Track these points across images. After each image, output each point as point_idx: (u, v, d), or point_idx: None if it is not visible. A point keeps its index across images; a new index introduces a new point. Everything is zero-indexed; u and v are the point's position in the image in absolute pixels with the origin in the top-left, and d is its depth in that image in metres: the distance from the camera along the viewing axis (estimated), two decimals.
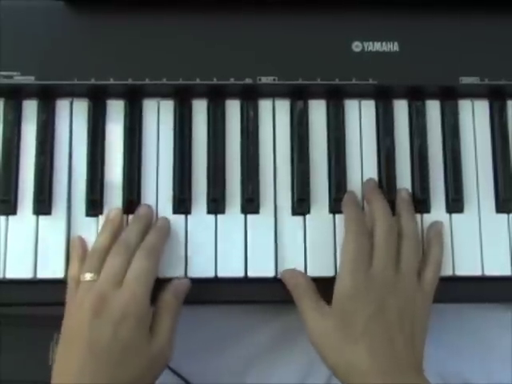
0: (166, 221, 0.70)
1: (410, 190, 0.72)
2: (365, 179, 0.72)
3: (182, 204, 0.71)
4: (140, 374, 0.63)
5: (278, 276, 0.70)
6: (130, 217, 0.70)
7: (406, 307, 0.65)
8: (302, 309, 0.67)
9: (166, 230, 0.70)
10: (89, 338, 0.62)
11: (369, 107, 0.74)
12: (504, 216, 0.72)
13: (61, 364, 0.63)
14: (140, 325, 0.63)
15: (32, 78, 0.71)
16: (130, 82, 0.71)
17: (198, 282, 0.69)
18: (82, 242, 0.69)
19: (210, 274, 0.70)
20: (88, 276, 0.65)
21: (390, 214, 0.69)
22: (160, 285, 0.67)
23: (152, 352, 0.64)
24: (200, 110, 0.73)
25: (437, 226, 0.71)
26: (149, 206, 0.71)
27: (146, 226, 0.69)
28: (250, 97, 0.73)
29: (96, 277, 0.65)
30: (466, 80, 0.72)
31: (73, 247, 0.69)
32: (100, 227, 0.70)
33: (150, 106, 0.73)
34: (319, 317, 0.66)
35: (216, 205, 0.71)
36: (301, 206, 0.71)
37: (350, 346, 0.63)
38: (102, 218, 0.70)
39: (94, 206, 0.71)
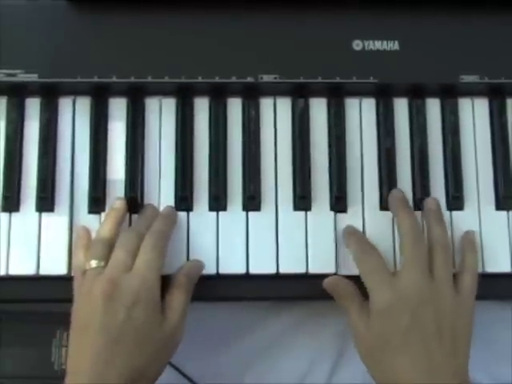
0: (172, 209, 0.71)
1: (410, 187, 0.72)
2: (365, 177, 0.72)
3: (184, 201, 0.71)
4: (154, 356, 0.63)
5: (280, 272, 0.70)
6: (134, 217, 0.71)
7: (445, 316, 0.64)
8: (349, 318, 0.67)
9: (173, 217, 0.70)
10: (102, 322, 0.62)
11: (369, 105, 0.74)
12: (504, 213, 0.72)
13: (75, 351, 0.63)
14: (152, 308, 0.63)
15: (35, 75, 0.71)
16: (132, 80, 0.72)
17: (199, 279, 0.69)
18: (87, 232, 0.70)
19: (212, 270, 0.70)
20: (94, 263, 0.65)
21: (416, 226, 0.68)
22: (163, 282, 0.67)
23: (165, 333, 0.64)
24: (202, 108, 0.74)
25: (469, 234, 0.71)
26: (154, 207, 0.71)
27: (153, 218, 0.69)
28: (251, 95, 0.74)
29: (102, 263, 0.65)
30: (466, 78, 0.73)
31: (78, 237, 0.69)
32: None
33: (152, 104, 0.74)
34: (365, 328, 0.65)
35: (218, 202, 0.71)
36: (302, 203, 0.71)
37: (391, 361, 0.63)
38: (104, 216, 0.71)
39: (97, 204, 0.71)
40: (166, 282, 0.67)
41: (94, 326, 0.62)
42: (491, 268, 0.71)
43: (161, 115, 0.74)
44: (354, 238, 0.70)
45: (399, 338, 0.63)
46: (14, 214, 0.71)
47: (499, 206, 0.72)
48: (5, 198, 0.71)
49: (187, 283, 0.67)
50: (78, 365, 0.62)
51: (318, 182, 0.72)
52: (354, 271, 0.69)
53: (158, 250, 0.66)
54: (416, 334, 0.63)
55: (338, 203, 0.72)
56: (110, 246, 0.67)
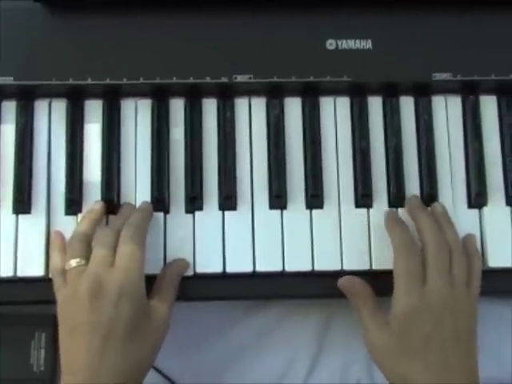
0: (147, 203, 0.71)
1: (385, 185, 0.73)
2: (341, 175, 0.73)
3: (161, 202, 0.72)
4: (146, 347, 0.64)
5: (257, 271, 0.70)
6: (110, 217, 0.71)
7: (461, 320, 0.65)
8: (362, 317, 0.67)
9: (149, 209, 0.70)
10: (90, 321, 0.63)
11: (344, 104, 0.75)
12: (475, 211, 0.72)
13: (67, 352, 0.64)
14: (137, 300, 0.64)
15: (10, 78, 0.72)
16: (107, 81, 0.72)
17: None
18: (61, 234, 0.70)
19: (189, 270, 0.70)
20: (73, 262, 0.66)
21: (439, 231, 0.68)
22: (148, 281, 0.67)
23: (153, 324, 0.65)
24: (177, 108, 0.74)
25: (472, 238, 0.71)
26: (131, 205, 0.71)
27: (130, 215, 0.70)
28: (226, 95, 0.74)
29: (82, 261, 0.65)
30: (439, 76, 0.73)
31: (52, 241, 0.70)
32: None
33: (127, 106, 0.74)
34: (377, 328, 0.66)
35: (194, 202, 0.72)
36: (278, 202, 0.72)
37: (406, 362, 0.64)
38: (80, 217, 0.71)
39: (73, 205, 0.71)
40: (150, 281, 0.67)
41: (83, 326, 0.63)
42: None
43: (136, 116, 0.74)
44: (400, 230, 0.69)
45: (420, 343, 0.64)
46: None
47: (471, 203, 0.73)
48: None
49: (174, 278, 0.68)
50: (72, 365, 0.63)
51: (294, 181, 0.73)
52: (329, 268, 0.70)
53: (136, 241, 0.66)
54: (436, 340, 0.64)
55: (314, 201, 0.72)
56: (87, 243, 0.67)
